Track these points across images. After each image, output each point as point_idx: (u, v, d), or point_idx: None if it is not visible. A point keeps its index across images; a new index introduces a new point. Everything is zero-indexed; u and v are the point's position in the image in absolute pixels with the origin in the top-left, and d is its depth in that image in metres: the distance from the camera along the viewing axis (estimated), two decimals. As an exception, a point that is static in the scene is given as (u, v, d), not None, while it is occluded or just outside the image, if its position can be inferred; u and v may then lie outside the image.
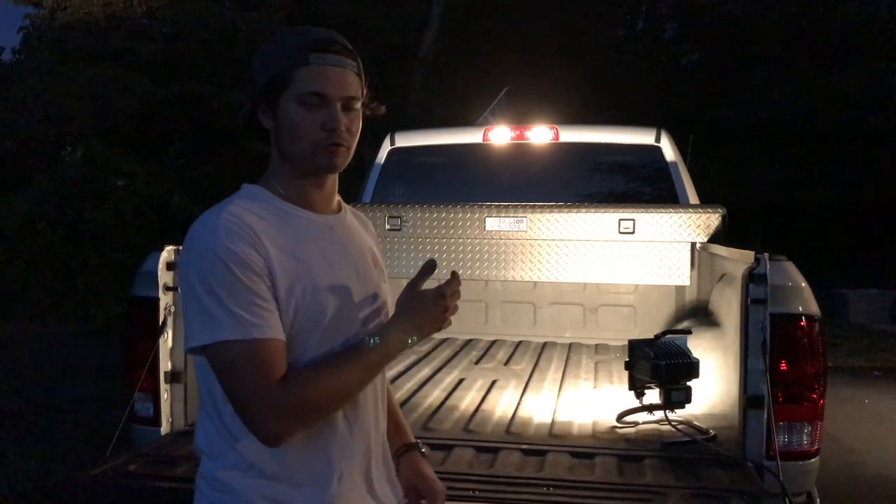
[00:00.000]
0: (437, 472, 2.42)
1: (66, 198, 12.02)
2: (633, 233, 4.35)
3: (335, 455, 1.47)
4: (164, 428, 2.95)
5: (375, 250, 1.68)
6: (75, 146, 12.53)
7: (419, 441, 1.82)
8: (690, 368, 2.97)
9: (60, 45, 14.36)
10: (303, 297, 1.43)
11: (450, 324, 1.53)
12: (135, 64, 13.96)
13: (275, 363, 1.37)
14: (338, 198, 1.63)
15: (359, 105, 1.52)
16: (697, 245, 4.29)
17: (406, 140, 5.34)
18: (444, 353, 4.33)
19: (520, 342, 4.63)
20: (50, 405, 6.69)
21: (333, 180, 1.58)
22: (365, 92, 1.55)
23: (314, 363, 1.43)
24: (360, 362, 1.45)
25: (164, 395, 2.95)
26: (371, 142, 6.03)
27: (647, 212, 4.35)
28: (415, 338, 1.49)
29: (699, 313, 4.08)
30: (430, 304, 1.48)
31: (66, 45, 14.28)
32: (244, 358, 1.36)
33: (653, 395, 3.04)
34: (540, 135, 5.04)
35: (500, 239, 4.56)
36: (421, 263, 1.56)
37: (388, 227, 4.65)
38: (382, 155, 5.30)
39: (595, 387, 3.63)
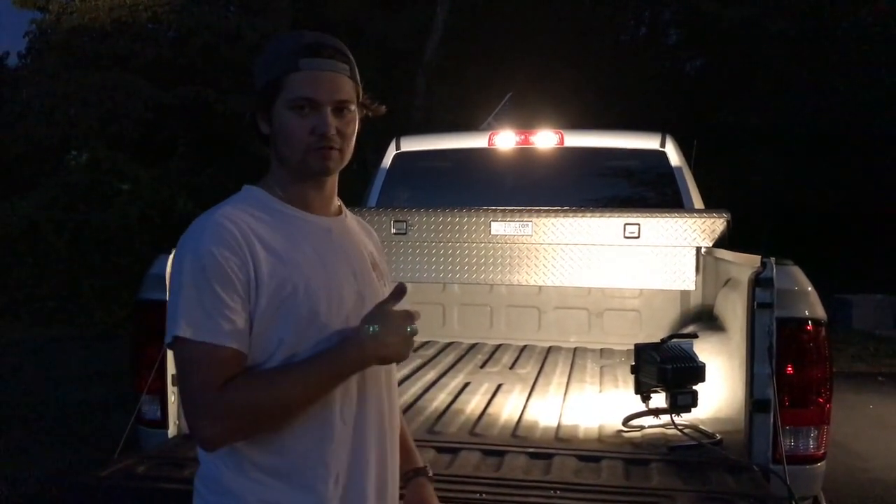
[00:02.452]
0: (443, 475, 2.45)
1: (71, 202, 12.05)
2: (638, 237, 4.35)
3: (331, 458, 1.48)
4: (172, 430, 2.96)
5: (376, 255, 1.69)
6: (80, 150, 12.56)
7: (427, 466, 1.83)
8: (696, 372, 2.98)
9: (66, 49, 14.42)
10: (292, 298, 1.44)
11: (407, 356, 1.48)
12: (140, 69, 14.02)
13: (221, 369, 1.39)
14: (338, 201, 1.64)
15: (353, 108, 1.53)
16: (702, 250, 4.29)
17: (411, 144, 5.35)
18: (449, 357, 4.33)
19: (525, 346, 4.64)
20: (55, 408, 6.71)
21: (332, 183, 1.59)
22: (361, 94, 1.56)
23: (258, 372, 1.43)
24: (305, 374, 1.42)
25: (172, 398, 2.96)
26: (375, 146, 6.05)
27: (652, 216, 4.36)
28: (373, 354, 1.44)
29: (704, 318, 4.08)
30: (397, 322, 1.44)
31: (71, 50, 14.35)
32: (192, 358, 1.40)
33: (659, 399, 3.04)
34: (545, 139, 5.05)
35: (506, 243, 4.56)
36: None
37: (393, 231, 4.66)
38: (387, 159, 5.31)
39: (601, 391, 3.63)
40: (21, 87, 14.24)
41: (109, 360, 8.46)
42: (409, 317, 1.46)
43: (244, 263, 1.42)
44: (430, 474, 1.81)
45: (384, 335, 1.43)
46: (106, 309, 11.30)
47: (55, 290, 11.71)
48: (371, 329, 1.43)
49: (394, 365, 1.65)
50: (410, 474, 1.78)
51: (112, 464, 2.47)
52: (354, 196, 5.13)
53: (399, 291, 1.48)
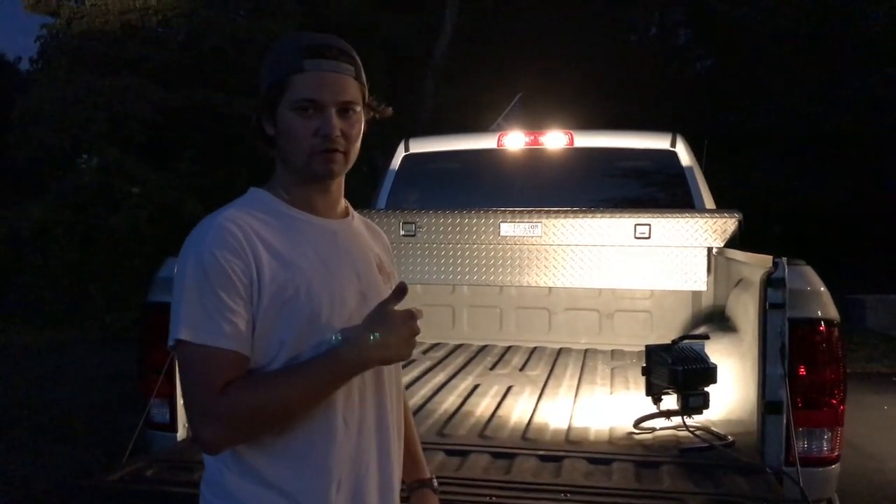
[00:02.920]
0: (452, 478, 2.43)
1: (81, 205, 12.11)
2: (648, 238, 4.32)
3: (334, 462, 1.46)
4: (181, 433, 2.96)
5: (383, 257, 1.66)
6: (90, 154, 12.62)
7: (434, 478, 1.80)
8: (708, 374, 2.95)
9: (77, 53, 14.50)
10: (294, 300, 1.43)
11: (409, 356, 1.46)
12: (149, 72, 14.08)
13: (221, 372, 1.37)
14: (345, 203, 1.63)
15: (358, 109, 1.51)
16: (714, 250, 4.26)
17: (420, 146, 5.33)
18: (459, 360, 4.32)
19: (535, 348, 4.62)
20: (64, 411, 6.73)
21: (339, 185, 1.58)
22: (367, 95, 1.55)
23: (259, 374, 1.42)
24: (306, 375, 1.40)
25: (181, 401, 2.95)
26: (384, 148, 6.03)
27: (662, 217, 4.33)
28: (373, 355, 1.42)
29: (716, 319, 4.05)
30: (398, 321, 1.42)
31: (82, 54, 14.42)
32: (193, 361, 1.39)
33: (670, 401, 3.02)
34: (554, 140, 5.02)
35: (515, 244, 4.54)
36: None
37: (402, 233, 4.64)
38: (396, 161, 5.30)
39: (611, 393, 3.61)
40: (32, 91, 14.30)
41: (118, 364, 8.48)
42: (411, 316, 1.43)
43: (247, 266, 1.41)
44: (436, 486, 1.79)
45: (385, 335, 1.41)
46: (115, 312, 11.33)
47: (65, 294, 11.76)
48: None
49: (399, 367, 1.63)
50: (416, 485, 1.76)
51: (121, 467, 2.47)
52: (364, 198, 5.11)
53: (399, 291, 1.46)
